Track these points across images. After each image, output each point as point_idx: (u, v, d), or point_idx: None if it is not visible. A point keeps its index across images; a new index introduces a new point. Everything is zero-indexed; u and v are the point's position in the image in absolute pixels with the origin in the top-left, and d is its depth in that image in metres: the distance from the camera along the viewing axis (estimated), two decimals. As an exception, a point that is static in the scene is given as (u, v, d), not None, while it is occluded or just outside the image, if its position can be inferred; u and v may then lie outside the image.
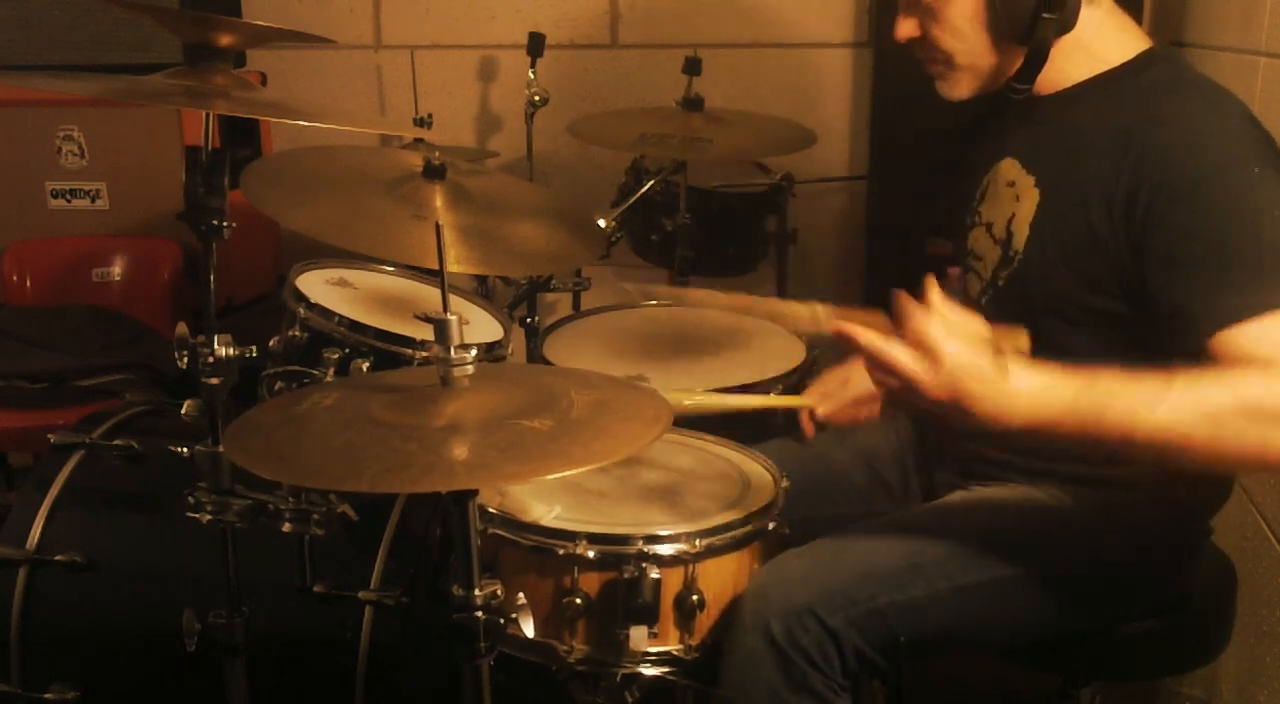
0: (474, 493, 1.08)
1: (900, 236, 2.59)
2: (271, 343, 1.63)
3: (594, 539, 1.30)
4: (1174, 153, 1.21)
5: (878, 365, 1.15)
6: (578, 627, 1.31)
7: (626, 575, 1.28)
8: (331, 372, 1.56)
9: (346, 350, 1.59)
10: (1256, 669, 1.77)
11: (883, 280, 2.71)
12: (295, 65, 3.10)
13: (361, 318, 1.64)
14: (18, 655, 1.58)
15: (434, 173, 1.66)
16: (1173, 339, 1.18)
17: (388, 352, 1.60)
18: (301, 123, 1.29)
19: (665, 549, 1.30)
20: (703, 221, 2.44)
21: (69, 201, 2.69)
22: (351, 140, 2.59)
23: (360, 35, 3.05)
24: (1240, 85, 1.73)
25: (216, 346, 1.27)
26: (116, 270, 2.67)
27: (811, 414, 1.69)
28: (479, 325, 1.86)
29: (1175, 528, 1.40)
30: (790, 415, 1.77)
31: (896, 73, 2.59)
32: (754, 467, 1.55)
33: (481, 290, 2.42)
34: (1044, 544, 1.36)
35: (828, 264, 2.88)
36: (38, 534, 1.60)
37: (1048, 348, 1.35)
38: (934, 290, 1.14)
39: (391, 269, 1.96)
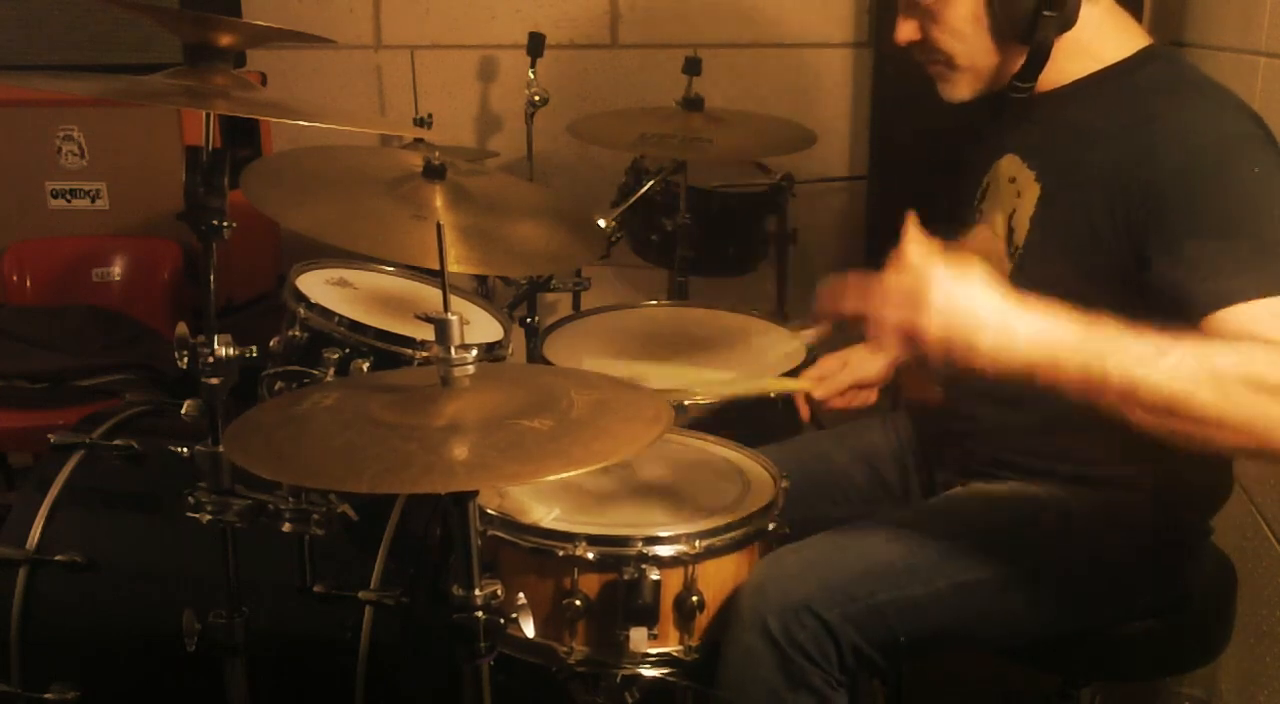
0: (474, 493, 1.08)
1: (900, 237, 2.59)
2: (271, 343, 1.63)
3: (594, 540, 1.30)
4: (1173, 148, 1.21)
5: (874, 317, 1.13)
6: (578, 628, 1.31)
7: (626, 577, 1.28)
8: (331, 371, 1.56)
9: (346, 350, 1.59)
10: (1256, 669, 1.77)
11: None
12: (295, 65, 3.10)
13: (361, 318, 1.64)
14: (18, 655, 1.58)
15: (434, 173, 1.66)
16: (1168, 321, 1.17)
17: (388, 351, 1.60)
18: (301, 123, 1.29)
19: (665, 550, 1.30)
20: (703, 221, 2.44)
21: (69, 201, 2.69)
22: (351, 140, 2.59)
23: (360, 35, 3.05)
24: (1240, 85, 1.73)
25: (216, 346, 1.26)
26: (116, 270, 2.67)
27: (808, 398, 1.69)
28: (479, 325, 1.86)
29: (1175, 528, 1.40)
30: (790, 414, 1.77)
31: (896, 73, 2.59)
32: (754, 466, 1.55)
33: (481, 290, 2.42)
34: (1044, 543, 1.36)
35: (828, 264, 2.88)
36: (38, 534, 1.60)
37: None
38: (913, 228, 1.12)
39: (391, 269, 1.96)
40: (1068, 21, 1.29)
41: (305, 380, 1.50)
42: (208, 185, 1.27)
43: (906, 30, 1.38)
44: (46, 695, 1.57)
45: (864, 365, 1.69)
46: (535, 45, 2.55)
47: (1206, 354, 1.04)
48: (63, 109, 2.64)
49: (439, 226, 1.07)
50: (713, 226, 2.49)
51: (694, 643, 1.33)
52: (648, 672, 1.32)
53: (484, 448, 1.01)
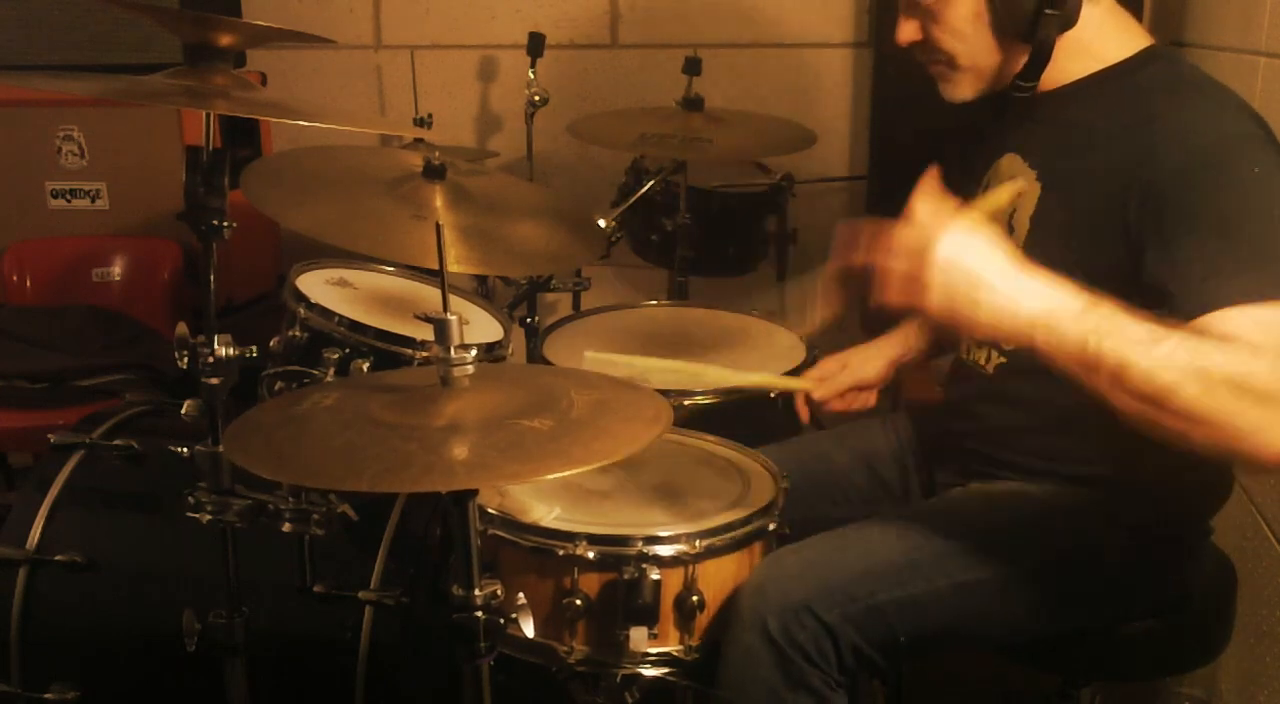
0: (474, 493, 1.08)
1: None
2: (271, 343, 1.63)
3: (594, 540, 1.30)
4: (1174, 148, 1.21)
5: (881, 266, 1.11)
6: (578, 627, 1.31)
7: (626, 576, 1.28)
8: (331, 371, 1.56)
9: (346, 350, 1.59)
10: (1256, 669, 1.77)
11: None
12: (295, 65, 3.10)
13: (361, 318, 1.64)
14: (18, 655, 1.58)
15: (434, 173, 1.66)
16: (1160, 318, 1.17)
17: (388, 351, 1.60)
18: (301, 123, 1.29)
19: (665, 550, 1.30)
20: (703, 221, 2.44)
21: (69, 201, 2.69)
22: (351, 140, 2.59)
23: (360, 35, 3.05)
24: (1240, 85, 1.73)
25: (216, 346, 1.26)
26: (116, 270, 2.67)
27: (808, 398, 1.69)
28: (479, 325, 1.86)
29: (1175, 528, 1.40)
30: (789, 414, 1.77)
31: (896, 73, 2.59)
32: (754, 467, 1.55)
33: (481, 290, 2.42)
34: (1044, 543, 1.36)
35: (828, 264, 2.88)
36: (38, 534, 1.60)
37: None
38: (930, 183, 1.11)
39: (391, 269, 1.96)
40: (1069, 20, 1.29)
41: (305, 380, 1.50)
42: (208, 185, 1.27)
43: (908, 31, 1.38)
44: (46, 695, 1.57)
45: (864, 367, 1.69)
46: (535, 45, 2.55)
47: (1199, 350, 1.04)
48: (63, 109, 2.64)
49: (439, 226, 1.07)
50: (713, 226, 2.49)
51: (694, 643, 1.33)
52: (648, 671, 1.32)
53: (484, 448, 1.01)
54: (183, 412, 1.30)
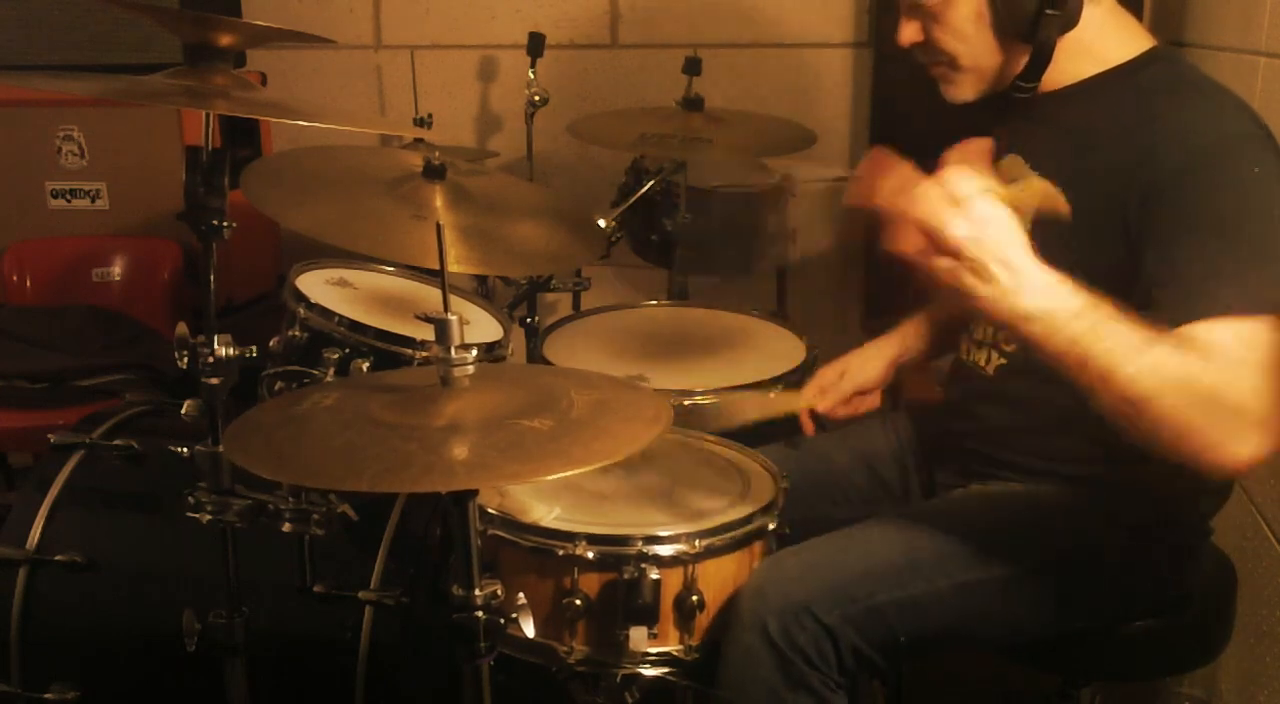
0: (474, 493, 1.08)
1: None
2: (271, 343, 1.63)
3: (594, 540, 1.30)
4: (1174, 148, 1.21)
5: (901, 213, 1.11)
6: (578, 627, 1.31)
7: (626, 576, 1.28)
8: (331, 372, 1.56)
9: (346, 350, 1.59)
10: (1256, 669, 1.77)
11: (883, 280, 2.71)
12: (295, 65, 3.10)
13: (361, 318, 1.64)
14: (18, 655, 1.58)
15: (434, 173, 1.66)
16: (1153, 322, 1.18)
17: (388, 351, 1.60)
18: (301, 123, 1.29)
19: (665, 550, 1.30)
20: (703, 221, 2.44)
21: (69, 201, 2.69)
22: (351, 140, 2.59)
23: (360, 35, 3.05)
24: (1240, 85, 1.73)
25: (216, 346, 1.26)
26: (116, 270, 2.67)
27: (812, 412, 1.69)
28: (479, 325, 1.86)
29: (1175, 528, 1.40)
30: (790, 415, 1.77)
31: (896, 73, 2.59)
32: (754, 466, 1.55)
33: (481, 290, 2.42)
34: (1044, 543, 1.36)
35: (828, 264, 2.88)
36: (38, 534, 1.60)
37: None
38: (980, 150, 1.11)
39: (391, 269, 1.96)
40: (1070, 21, 1.29)
41: (305, 380, 1.50)
42: (208, 185, 1.27)
43: (909, 32, 1.38)
44: (46, 695, 1.57)
45: (863, 372, 1.69)
46: (535, 45, 2.55)
47: (1184, 362, 1.07)
48: (63, 109, 2.64)
49: (439, 226, 1.07)
50: (713, 226, 2.49)
51: (694, 643, 1.33)
52: (648, 671, 1.32)
53: (484, 448, 1.01)
54: (183, 412, 1.30)
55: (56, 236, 2.69)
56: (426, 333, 1.26)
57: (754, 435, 1.63)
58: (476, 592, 1.08)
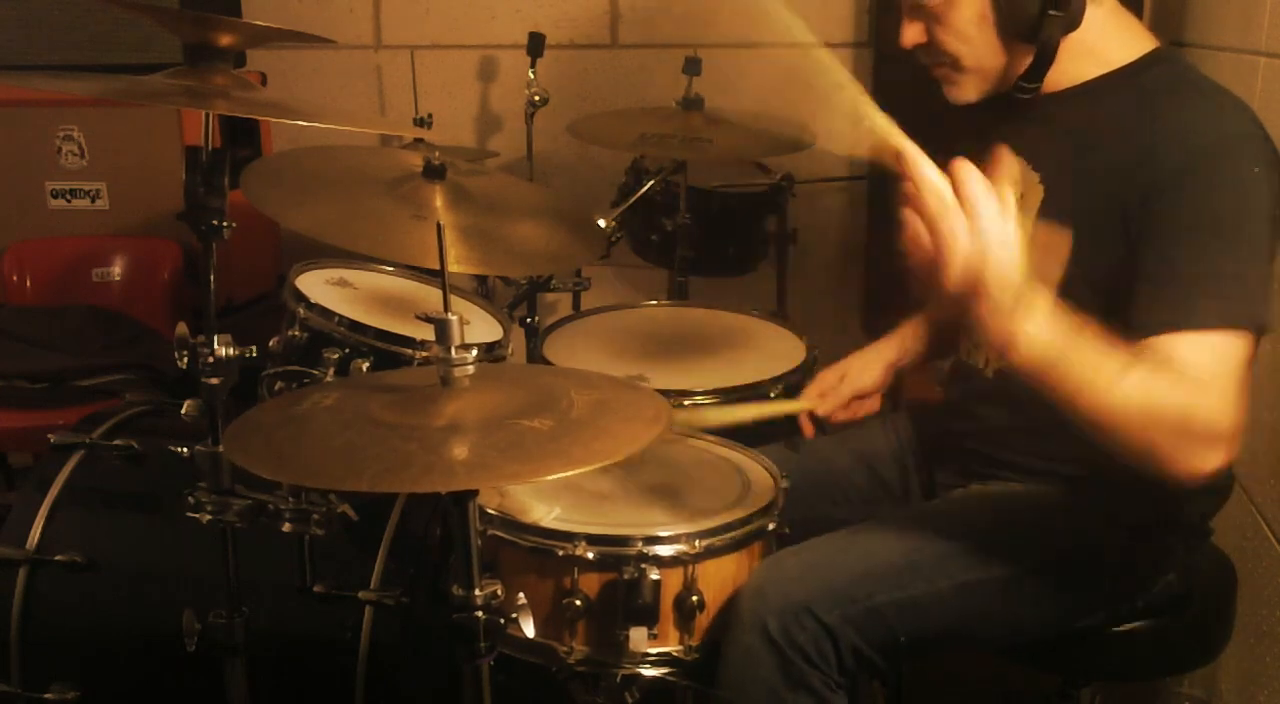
0: (474, 493, 1.08)
1: (900, 237, 2.59)
2: (271, 343, 1.63)
3: (593, 540, 1.30)
4: (1173, 148, 1.22)
5: (922, 208, 1.10)
6: (578, 627, 1.31)
7: (626, 576, 1.28)
8: (331, 372, 1.56)
9: (346, 350, 1.59)
10: (1256, 669, 1.77)
11: (883, 280, 2.71)
12: (295, 65, 3.10)
13: (361, 318, 1.64)
14: (18, 655, 1.58)
15: (434, 173, 1.66)
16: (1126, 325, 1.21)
17: (388, 351, 1.60)
18: (301, 123, 1.29)
19: (665, 550, 1.30)
20: (703, 221, 2.44)
21: (69, 201, 2.69)
22: (351, 140, 2.59)
23: (360, 35, 3.05)
24: (1240, 85, 1.73)
25: (216, 346, 1.26)
26: (116, 270, 2.67)
27: (812, 415, 1.68)
28: (479, 325, 1.86)
29: (1175, 528, 1.40)
30: (790, 418, 1.77)
31: (896, 73, 2.59)
32: (754, 467, 1.54)
33: (481, 290, 2.42)
34: (1044, 543, 1.36)
35: (828, 264, 2.88)
36: (38, 534, 1.60)
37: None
38: (1008, 160, 1.11)
39: (391, 269, 1.96)
40: (1073, 21, 1.29)
41: (305, 380, 1.50)
42: (208, 185, 1.27)
43: (912, 34, 1.38)
44: (46, 695, 1.57)
45: (862, 375, 1.68)
46: (535, 45, 2.55)
47: (1151, 389, 1.12)
48: (63, 109, 2.64)
49: (439, 226, 1.07)
50: (713, 226, 2.49)
51: (694, 643, 1.33)
52: (648, 671, 1.32)
53: (484, 448, 1.01)
54: (183, 412, 1.30)
55: (56, 236, 2.69)
56: (426, 333, 1.26)
57: (754, 435, 1.63)
58: (476, 592, 1.08)
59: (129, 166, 2.65)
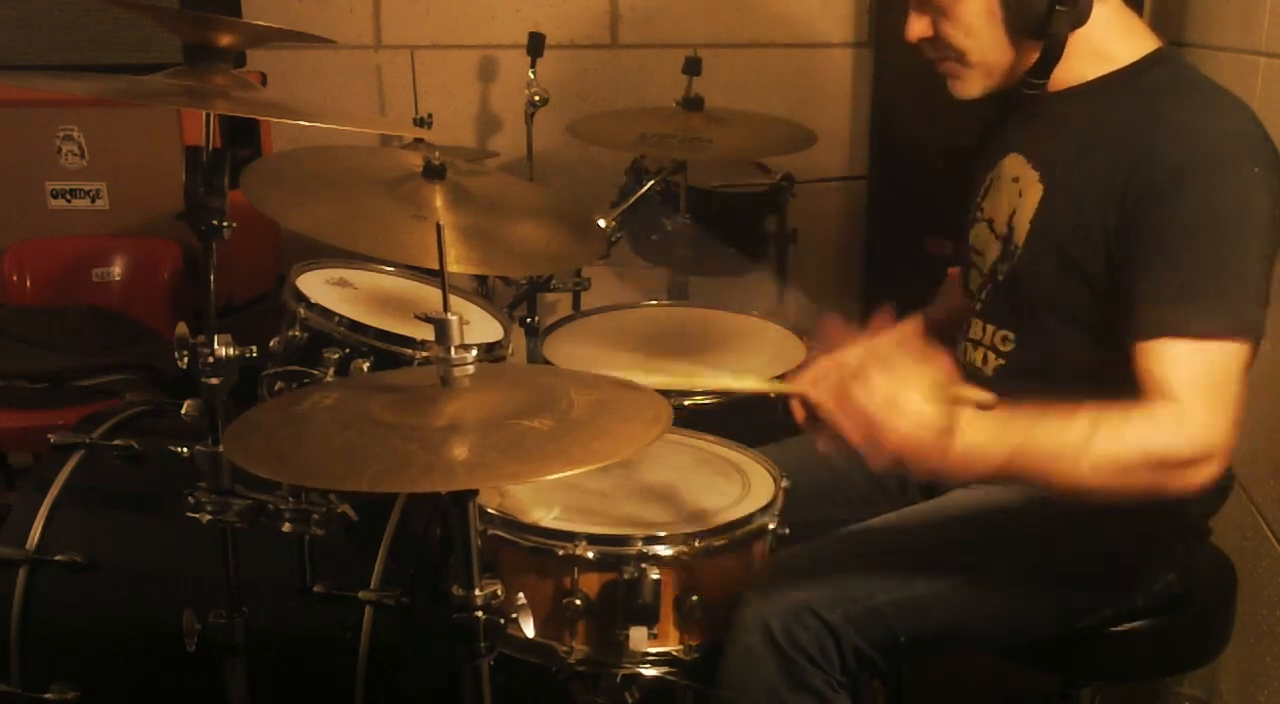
0: (474, 493, 1.08)
1: (900, 236, 2.60)
2: (271, 343, 1.63)
3: (594, 540, 1.30)
4: (1173, 148, 1.22)
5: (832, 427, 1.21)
6: (578, 627, 1.31)
7: (626, 576, 1.28)
8: (331, 372, 1.56)
9: (346, 350, 1.59)
10: (1256, 669, 1.77)
11: (883, 280, 2.71)
12: (295, 65, 3.10)
13: (361, 318, 1.64)
14: (18, 655, 1.58)
15: (434, 173, 1.66)
16: (1121, 326, 1.23)
17: (388, 351, 1.60)
18: (301, 123, 1.29)
19: (665, 550, 1.30)
20: (703, 221, 2.44)
21: (69, 201, 2.69)
22: (351, 140, 2.58)
23: (360, 35, 3.05)
24: (1240, 85, 1.73)
25: (216, 346, 1.26)
26: (116, 270, 2.67)
27: (804, 400, 1.68)
28: (479, 325, 1.86)
29: (1174, 528, 1.40)
30: (790, 415, 1.76)
31: (896, 73, 2.59)
32: (754, 467, 1.55)
33: (481, 290, 2.42)
34: (1044, 543, 1.36)
35: (828, 264, 2.88)
36: (38, 534, 1.60)
37: (1044, 343, 1.36)
38: (884, 328, 1.18)
39: (391, 269, 1.96)
40: (1081, 17, 1.29)
41: (305, 380, 1.50)
42: (208, 185, 1.27)
43: (918, 27, 1.38)
44: (46, 695, 1.57)
45: (858, 362, 1.68)
46: (535, 45, 2.55)
47: (1120, 447, 1.14)
48: (63, 109, 2.64)
49: (439, 226, 1.07)
50: (713, 226, 2.49)
51: (694, 643, 1.33)
52: (648, 671, 1.32)
53: (484, 448, 1.01)
54: (183, 412, 1.30)
55: (56, 236, 2.69)
56: (426, 333, 1.26)
57: (754, 435, 1.62)
58: (476, 592, 1.08)
59: (129, 166, 2.65)
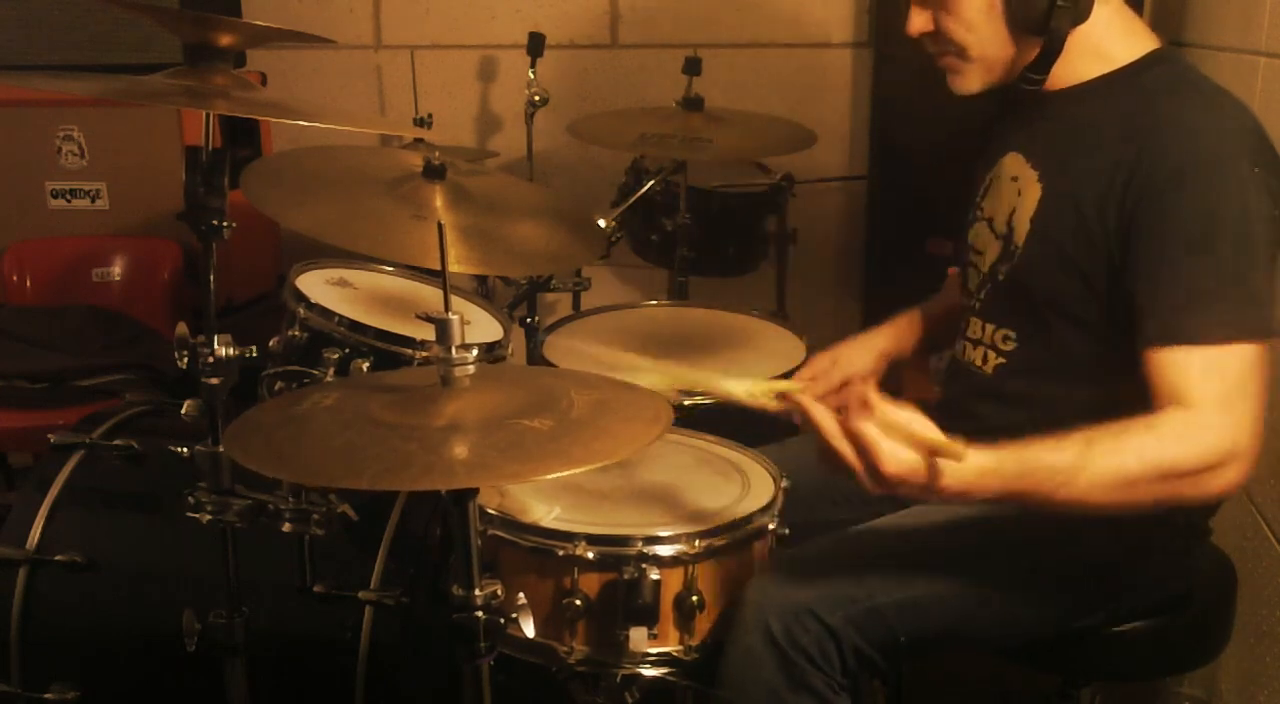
0: (474, 492, 1.08)
1: (900, 236, 2.60)
2: (271, 343, 1.63)
3: (593, 540, 1.30)
4: (1171, 147, 1.22)
5: (826, 451, 1.20)
6: (578, 627, 1.31)
7: (626, 576, 1.28)
8: (331, 372, 1.56)
9: (346, 350, 1.59)
10: (1256, 669, 1.77)
11: (883, 280, 2.71)
12: (295, 65, 3.10)
13: (361, 318, 1.64)
14: (18, 655, 1.58)
15: (434, 173, 1.66)
16: (1130, 333, 1.22)
17: (388, 351, 1.60)
18: (301, 123, 1.29)
19: (665, 550, 1.30)
20: (703, 221, 2.44)
21: (69, 201, 2.69)
22: (351, 140, 2.59)
23: (360, 35, 3.06)
24: (1240, 85, 1.73)
25: (216, 346, 1.27)
26: (116, 270, 2.67)
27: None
28: (479, 325, 1.86)
29: (1174, 527, 1.39)
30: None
31: (896, 73, 2.59)
32: (754, 467, 1.54)
33: (481, 290, 2.42)
34: (1043, 543, 1.36)
35: (828, 264, 2.88)
36: (38, 534, 1.60)
37: (1043, 343, 1.36)
38: (873, 395, 1.17)
39: (391, 269, 1.96)
40: (1081, 14, 1.29)
41: (305, 380, 1.50)
42: (208, 185, 1.27)
43: (919, 22, 1.38)
44: (46, 695, 1.57)
45: (854, 361, 1.68)
46: (535, 45, 2.55)
47: (1121, 461, 1.14)
48: (63, 109, 2.64)
49: (439, 226, 1.07)
50: (713, 226, 2.49)
51: (694, 643, 1.33)
52: (648, 671, 1.32)
53: (484, 447, 1.01)
54: (183, 412, 1.30)
55: (56, 236, 2.69)
56: (426, 333, 1.26)
57: (754, 435, 1.62)
58: (476, 592, 1.08)
59: (129, 166, 2.65)
